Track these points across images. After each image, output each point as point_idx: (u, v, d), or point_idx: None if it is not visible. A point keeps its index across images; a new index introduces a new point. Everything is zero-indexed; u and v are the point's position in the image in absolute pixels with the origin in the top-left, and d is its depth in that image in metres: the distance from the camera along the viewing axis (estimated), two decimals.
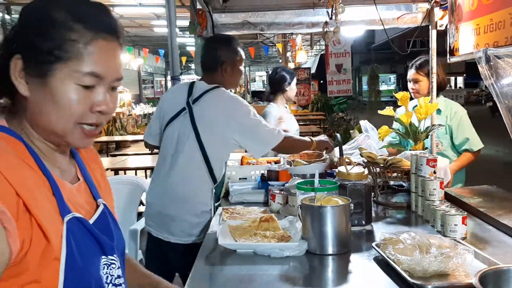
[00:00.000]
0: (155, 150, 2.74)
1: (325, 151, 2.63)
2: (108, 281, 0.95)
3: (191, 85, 2.43)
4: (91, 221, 0.95)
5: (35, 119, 0.89)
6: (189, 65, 18.92)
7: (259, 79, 38.23)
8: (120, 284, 0.99)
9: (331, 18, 2.96)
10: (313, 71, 18.15)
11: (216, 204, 2.39)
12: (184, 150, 2.32)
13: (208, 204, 2.34)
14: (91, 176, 1.07)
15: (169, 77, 4.06)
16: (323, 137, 2.61)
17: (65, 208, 0.88)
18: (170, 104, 2.45)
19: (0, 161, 0.80)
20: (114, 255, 0.99)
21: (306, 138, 2.51)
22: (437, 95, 2.90)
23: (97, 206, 1.02)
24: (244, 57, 2.52)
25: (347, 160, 2.18)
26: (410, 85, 3.10)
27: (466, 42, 2.39)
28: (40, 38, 0.85)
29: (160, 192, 2.40)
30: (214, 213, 2.33)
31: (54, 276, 0.83)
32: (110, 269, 0.96)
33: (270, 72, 4.28)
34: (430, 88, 2.67)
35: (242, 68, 2.52)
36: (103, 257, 0.94)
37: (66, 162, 0.99)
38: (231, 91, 2.47)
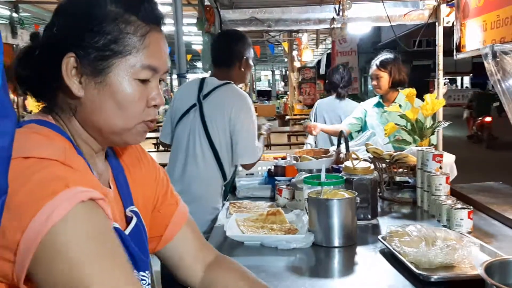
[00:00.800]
0: (160, 148, 2.79)
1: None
2: None
3: (202, 81, 2.45)
4: (126, 232, 0.88)
5: (91, 120, 0.83)
6: (194, 63, 18.92)
7: (264, 79, 38.25)
8: None
9: (338, 15, 2.98)
10: (321, 71, 18.15)
11: (224, 202, 2.41)
12: (196, 147, 2.33)
13: (218, 201, 2.36)
14: (128, 180, 0.97)
15: (174, 76, 4.08)
16: (267, 128, 2.74)
17: (109, 216, 0.77)
18: (180, 101, 2.47)
19: (73, 160, 0.73)
20: (146, 272, 0.92)
21: (262, 140, 2.57)
22: (397, 90, 3.01)
23: (126, 216, 0.93)
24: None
25: (353, 155, 2.19)
26: (372, 81, 3.26)
27: (472, 38, 2.40)
28: (94, 34, 0.79)
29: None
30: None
31: None
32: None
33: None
34: (436, 85, 2.68)
35: (252, 64, 2.54)
36: (135, 272, 0.87)
37: (102, 166, 0.92)
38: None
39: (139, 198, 0.99)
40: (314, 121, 4.06)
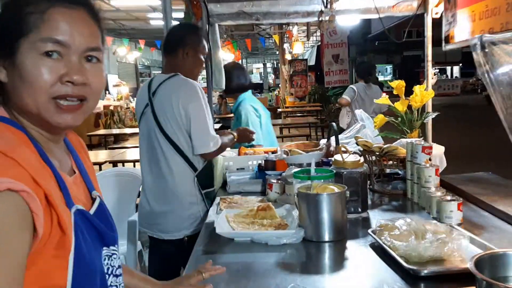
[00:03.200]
0: None
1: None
2: (109, 272, 0.95)
3: (152, 79, 2.43)
4: (91, 212, 0.94)
5: (16, 104, 0.86)
6: None
7: (256, 72, 38.17)
8: (120, 275, 0.99)
9: (326, 7, 2.95)
10: (310, 62, 18.12)
11: (204, 192, 2.37)
12: (155, 146, 2.30)
13: (194, 194, 2.33)
14: (84, 166, 1.04)
15: None
16: (243, 130, 2.76)
17: (70, 200, 0.86)
18: (138, 103, 2.47)
19: (19, 154, 0.78)
20: (115, 246, 0.99)
21: (230, 136, 2.56)
22: None
23: (92, 198, 0.99)
24: (207, 49, 2.47)
25: (343, 148, 2.18)
26: None
27: (461, 29, 2.39)
28: (2, 20, 0.85)
29: (145, 191, 2.41)
30: (205, 202, 2.33)
31: (64, 269, 0.81)
32: (111, 260, 0.96)
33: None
34: (426, 76, 2.68)
35: (203, 59, 2.45)
36: (104, 248, 0.94)
37: (61, 153, 0.97)
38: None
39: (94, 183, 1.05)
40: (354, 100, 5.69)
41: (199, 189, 2.34)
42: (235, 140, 2.63)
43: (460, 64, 36.24)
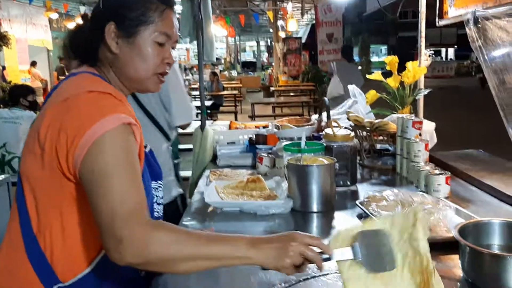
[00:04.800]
0: None
1: None
2: (155, 201, 1.23)
3: None
4: (146, 150, 1.21)
5: (124, 69, 1.15)
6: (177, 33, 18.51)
7: (249, 49, 37.85)
8: (162, 204, 1.28)
9: None
10: (303, 41, 17.98)
11: (176, 161, 2.37)
12: None
13: (167, 163, 2.33)
14: None
15: None
16: None
17: (137, 141, 1.08)
18: None
19: (120, 96, 1.10)
20: (161, 181, 1.26)
21: None
22: None
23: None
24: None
25: (334, 123, 2.18)
26: None
27: (455, 4, 2.37)
28: (129, 9, 1.13)
29: None
30: (175, 173, 2.35)
31: None
32: (157, 192, 1.24)
33: None
34: (419, 52, 2.67)
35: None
36: (153, 181, 1.22)
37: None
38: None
39: None
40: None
41: (172, 159, 2.35)
42: None
43: (455, 46, 36.17)
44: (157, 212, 1.25)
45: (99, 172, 0.95)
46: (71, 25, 14.26)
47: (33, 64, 12.49)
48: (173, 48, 1.21)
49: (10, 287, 1.06)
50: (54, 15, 12.31)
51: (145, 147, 1.22)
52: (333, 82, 6.65)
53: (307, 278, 1.14)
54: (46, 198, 1.04)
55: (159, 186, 1.25)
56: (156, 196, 1.23)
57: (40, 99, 10.50)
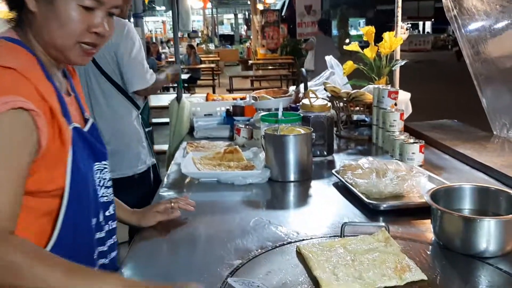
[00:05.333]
0: None
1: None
2: (101, 184, 1.10)
3: None
4: (85, 129, 1.09)
5: (40, 33, 1.00)
6: (153, 5, 17.99)
7: (227, 22, 37.28)
8: (110, 186, 1.15)
9: None
10: (282, 14, 17.79)
11: (147, 130, 2.36)
12: (94, 87, 2.21)
13: (137, 132, 2.31)
14: (77, 91, 1.17)
15: (132, 19, 3.81)
16: (174, 69, 2.71)
17: (69, 117, 1.00)
18: None
19: (31, 73, 0.94)
20: (106, 161, 1.13)
21: (163, 75, 2.52)
22: None
23: (85, 119, 1.13)
24: None
25: (311, 94, 2.18)
26: None
27: None
28: None
29: None
30: (147, 141, 2.34)
31: (62, 178, 0.96)
32: (103, 174, 1.11)
33: None
34: (395, 23, 2.67)
35: None
36: (96, 163, 1.09)
37: (60, 77, 1.10)
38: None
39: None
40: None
41: (142, 127, 2.33)
42: (168, 79, 2.59)
43: (432, 20, 36.33)
44: (106, 196, 1.13)
45: None
46: None
47: None
48: (112, 14, 1.04)
49: None
50: None
51: (86, 121, 1.13)
52: (307, 58, 7.37)
53: (283, 244, 1.15)
54: None
55: (105, 167, 1.12)
56: (102, 178, 1.11)
57: None
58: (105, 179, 1.12)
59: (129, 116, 2.28)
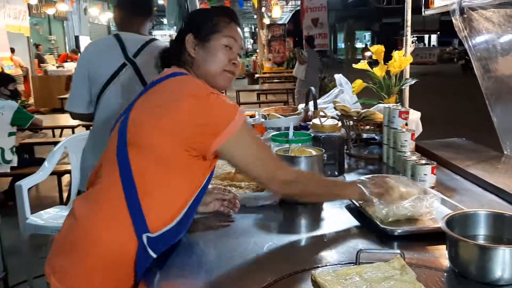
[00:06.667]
0: None
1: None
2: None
3: (118, 38, 2.25)
4: None
5: (199, 69, 1.46)
6: (160, 19, 18.15)
7: None
8: None
9: None
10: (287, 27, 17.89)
11: None
12: None
13: None
14: None
15: None
16: None
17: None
18: (99, 64, 2.23)
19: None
20: None
21: None
22: None
23: None
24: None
25: (321, 113, 2.19)
26: None
27: None
28: (204, 22, 1.48)
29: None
30: None
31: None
32: None
33: None
34: (404, 42, 2.68)
35: None
36: None
37: None
38: None
39: None
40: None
41: None
42: None
43: (438, 33, 36.39)
44: None
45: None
46: (50, 11, 13.97)
47: (12, 51, 12.21)
48: (239, 55, 1.51)
49: (112, 240, 1.24)
50: (33, 0, 12.02)
51: None
52: (299, 67, 9.42)
53: (297, 272, 1.15)
54: (162, 166, 1.27)
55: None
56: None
57: (20, 87, 10.30)
58: None
59: None
